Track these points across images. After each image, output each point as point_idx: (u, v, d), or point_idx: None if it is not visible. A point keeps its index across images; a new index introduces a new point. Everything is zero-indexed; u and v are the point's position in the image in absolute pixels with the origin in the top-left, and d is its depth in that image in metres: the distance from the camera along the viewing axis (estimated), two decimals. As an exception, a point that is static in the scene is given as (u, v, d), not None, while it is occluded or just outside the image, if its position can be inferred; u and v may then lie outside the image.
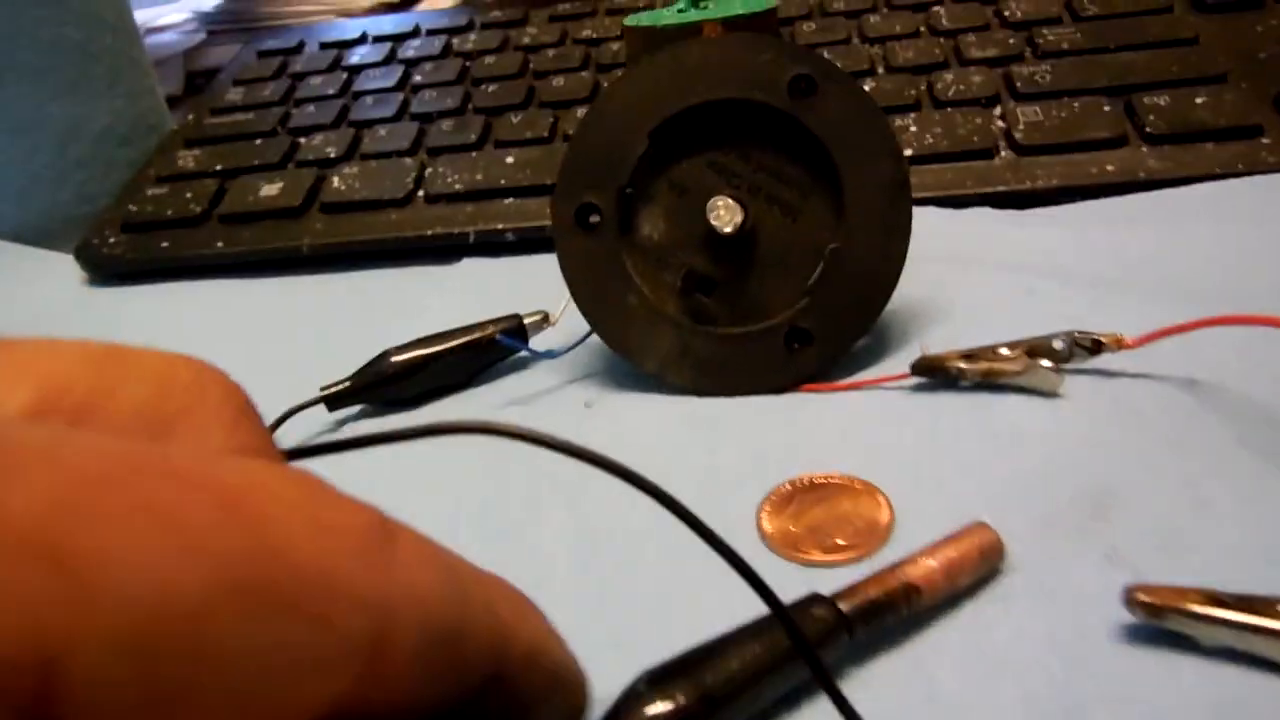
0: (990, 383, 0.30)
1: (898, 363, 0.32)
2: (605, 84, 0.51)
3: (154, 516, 0.08)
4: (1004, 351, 0.29)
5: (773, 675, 0.21)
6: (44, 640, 0.07)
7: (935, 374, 0.30)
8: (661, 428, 0.32)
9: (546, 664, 0.14)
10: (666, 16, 0.34)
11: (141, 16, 0.74)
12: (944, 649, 0.22)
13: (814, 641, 0.21)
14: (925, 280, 0.36)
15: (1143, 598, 0.21)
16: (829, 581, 0.25)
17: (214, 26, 0.85)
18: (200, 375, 0.12)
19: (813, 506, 0.27)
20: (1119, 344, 0.28)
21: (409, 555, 0.11)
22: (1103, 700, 0.20)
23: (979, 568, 0.23)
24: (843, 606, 0.22)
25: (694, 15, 0.34)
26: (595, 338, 0.35)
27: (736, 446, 0.30)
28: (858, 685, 0.22)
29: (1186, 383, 0.28)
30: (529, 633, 0.13)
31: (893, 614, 0.22)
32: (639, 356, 0.34)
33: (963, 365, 0.30)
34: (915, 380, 0.31)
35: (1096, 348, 0.29)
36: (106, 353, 0.11)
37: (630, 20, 0.35)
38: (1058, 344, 0.29)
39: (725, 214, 0.32)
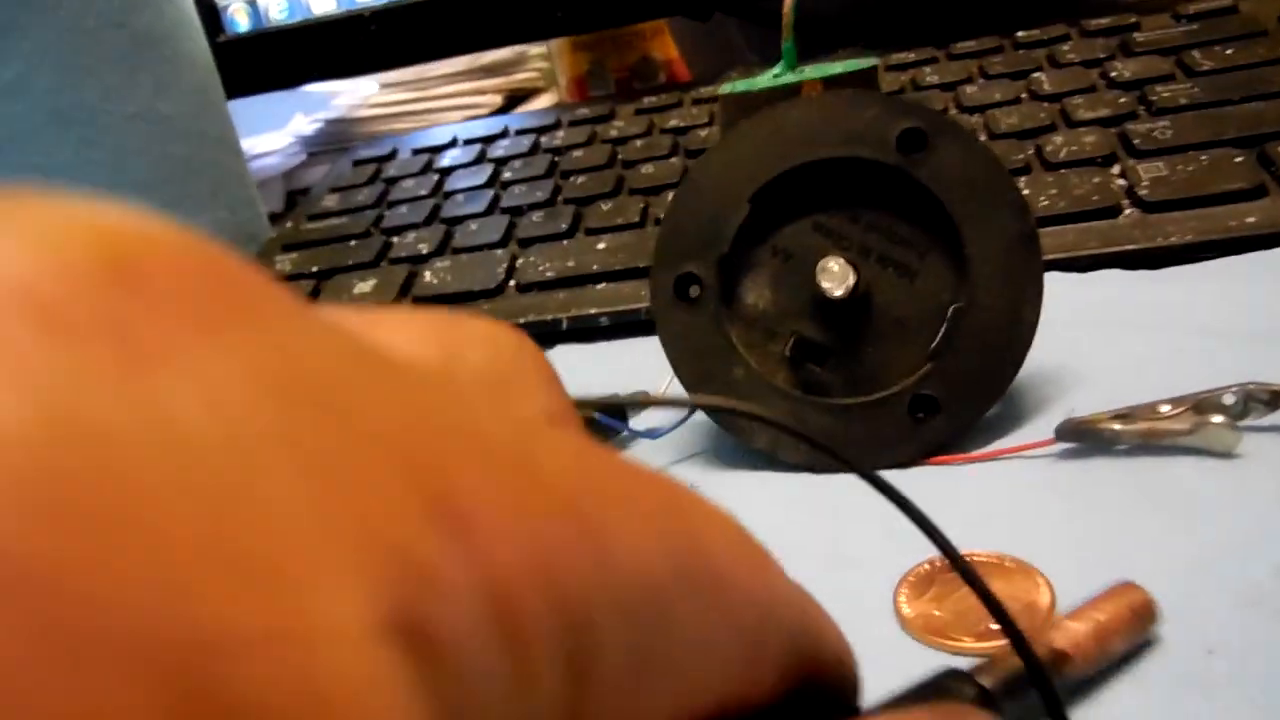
0: (1152, 445, 0.26)
1: (1039, 430, 0.29)
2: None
3: (631, 503, 0.09)
4: (1165, 409, 0.26)
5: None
6: (577, 594, 0.07)
7: (1085, 438, 0.27)
8: (776, 507, 0.29)
9: (848, 669, 0.14)
10: (762, 82, 0.33)
11: (246, 144, 0.78)
12: (1141, 752, 0.19)
13: None
14: (1059, 345, 0.32)
15: (1394, 684, 0.17)
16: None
17: (315, 149, 0.88)
18: (520, 340, 0.13)
19: (958, 588, 0.24)
20: (1302, 395, 0.25)
21: (770, 559, 0.12)
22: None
23: (1132, 630, 0.20)
24: (984, 682, 0.18)
25: (791, 78, 0.33)
26: (700, 415, 0.33)
27: (862, 524, 0.27)
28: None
29: (1389, 437, 0.25)
30: (835, 637, 0.14)
31: (1044, 684, 0.19)
32: (748, 433, 0.31)
33: (1118, 427, 0.27)
34: (1062, 446, 0.28)
35: (1276, 400, 0.25)
36: (446, 319, 0.12)
37: (725, 88, 0.34)
38: (1228, 399, 0.26)
39: (836, 276, 0.30)
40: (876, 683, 0.23)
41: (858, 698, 0.15)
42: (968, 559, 0.25)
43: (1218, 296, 0.34)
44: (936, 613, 0.23)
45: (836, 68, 0.33)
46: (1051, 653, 0.20)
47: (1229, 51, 0.47)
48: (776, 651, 0.11)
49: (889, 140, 0.30)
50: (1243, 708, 0.19)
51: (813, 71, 0.33)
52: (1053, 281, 0.37)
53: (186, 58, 0.55)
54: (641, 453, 0.34)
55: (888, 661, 0.24)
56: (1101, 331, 0.33)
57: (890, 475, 0.31)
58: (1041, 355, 0.31)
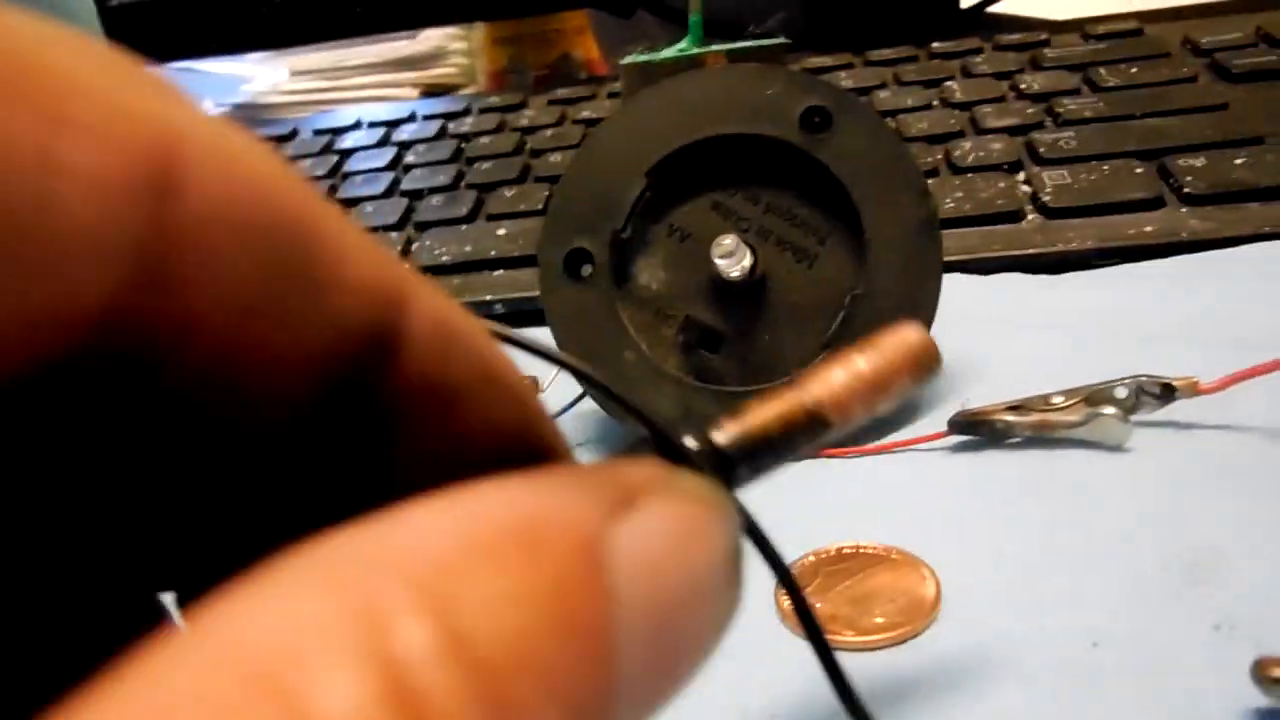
0: (1044, 437, 0.25)
1: (933, 423, 0.28)
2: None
3: None
4: (1058, 401, 0.25)
5: None
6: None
7: (978, 430, 0.26)
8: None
9: (473, 350, 0.11)
10: (667, 53, 0.32)
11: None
12: (1020, 748, 0.17)
13: None
14: (957, 342, 0.32)
15: (1278, 672, 0.16)
16: (867, 667, 0.20)
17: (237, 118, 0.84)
18: None
19: (843, 580, 0.23)
20: (1195, 389, 0.24)
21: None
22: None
23: (906, 382, 0.15)
24: (719, 439, 0.15)
25: (696, 51, 0.31)
26: (588, 401, 0.31)
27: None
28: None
29: (1275, 432, 0.24)
30: (438, 300, 0.11)
31: (789, 450, 0.15)
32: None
33: (1010, 418, 0.26)
34: (955, 439, 0.27)
35: (1168, 394, 0.25)
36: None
37: (628, 59, 0.33)
38: (1120, 391, 0.25)
39: (732, 257, 0.29)
40: (752, 676, 0.21)
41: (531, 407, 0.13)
42: (855, 549, 0.24)
43: (1115, 300, 0.34)
44: (819, 605, 0.22)
45: (743, 44, 0.32)
46: (809, 414, 0.15)
47: (1133, 70, 0.48)
48: (204, 202, 0.09)
49: (792, 118, 0.29)
50: (1128, 701, 0.18)
51: (718, 45, 0.32)
52: (953, 282, 0.36)
53: (69, 18, 0.51)
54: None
55: (766, 655, 0.22)
56: (999, 330, 0.33)
57: (796, 470, 0.29)
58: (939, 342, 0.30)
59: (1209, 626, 0.19)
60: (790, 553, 0.24)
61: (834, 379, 0.15)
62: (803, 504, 0.26)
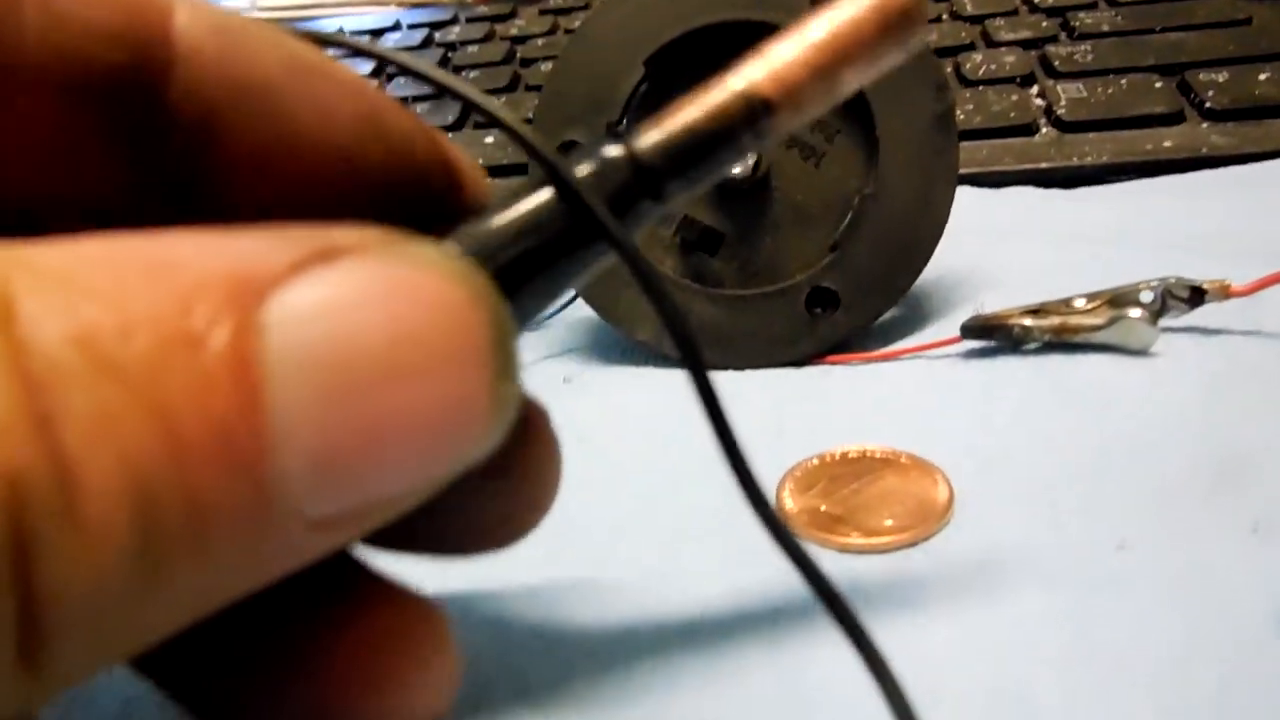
0: (1064, 341, 0.24)
1: (943, 330, 0.27)
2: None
3: None
4: (1080, 304, 0.24)
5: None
6: None
7: (993, 335, 0.25)
8: (654, 403, 0.26)
9: (268, 44, 0.12)
10: (667, -65, 0.30)
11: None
12: (1042, 645, 0.16)
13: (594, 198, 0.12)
14: (969, 251, 0.30)
15: (1327, 572, 0.15)
16: (874, 570, 0.19)
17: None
18: None
19: (849, 483, 0.21)
20: (1225, 292, 0.23)
21: None
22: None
23: (873, 39, 0.12)
24: (640, 146, 0.12)
25: (699, -68, 0.29)
26: (580, 305, 0.30)
27: (749, 422, 0.24)
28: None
29: (1309, 340, 0.23)
30: (209, 9, 0.12)
31: (727, 149, 0.13)
32: (629, 323, 0.28)
33: (1028, 322, 0.24)
34: (967, 346, 0.25)
35: (1196, 298, 0.23)
36: None
37: (625, -58, 0.30)
38: (1146, 295, 0.24)
39: (735, 151, 0.27)
40: (751, 576, 0.20)
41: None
42: (861, 453, 0.23)
43: (1135, 213, 0.32)
44: (823, 508, 0.21)
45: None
46: (744, 100, 0.12)
47: (1152, -15, 0.45)
48: None
49: (802, 2, 0.27)
50: (1159, 603, 0.17)
51: (723, -71, 0.29)
52: (964, 194, 0.35)
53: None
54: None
55: (767, 555, 0.21)
56: (1013, 240, 0.31)
57: (785, 374, 0.28)
58: (950, 260, 0.29)
59: (1246, 529, 0.18)
60: (792, 457, 0.22)
61: (774, 52, 0.12)
62: (804, 410, 0.25)
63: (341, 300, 0.09)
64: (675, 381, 0.27)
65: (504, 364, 0.11)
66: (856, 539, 0.20)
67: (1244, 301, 0.23)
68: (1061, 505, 0.19)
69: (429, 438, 0.10)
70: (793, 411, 0.25)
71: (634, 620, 0.18)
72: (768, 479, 0.22)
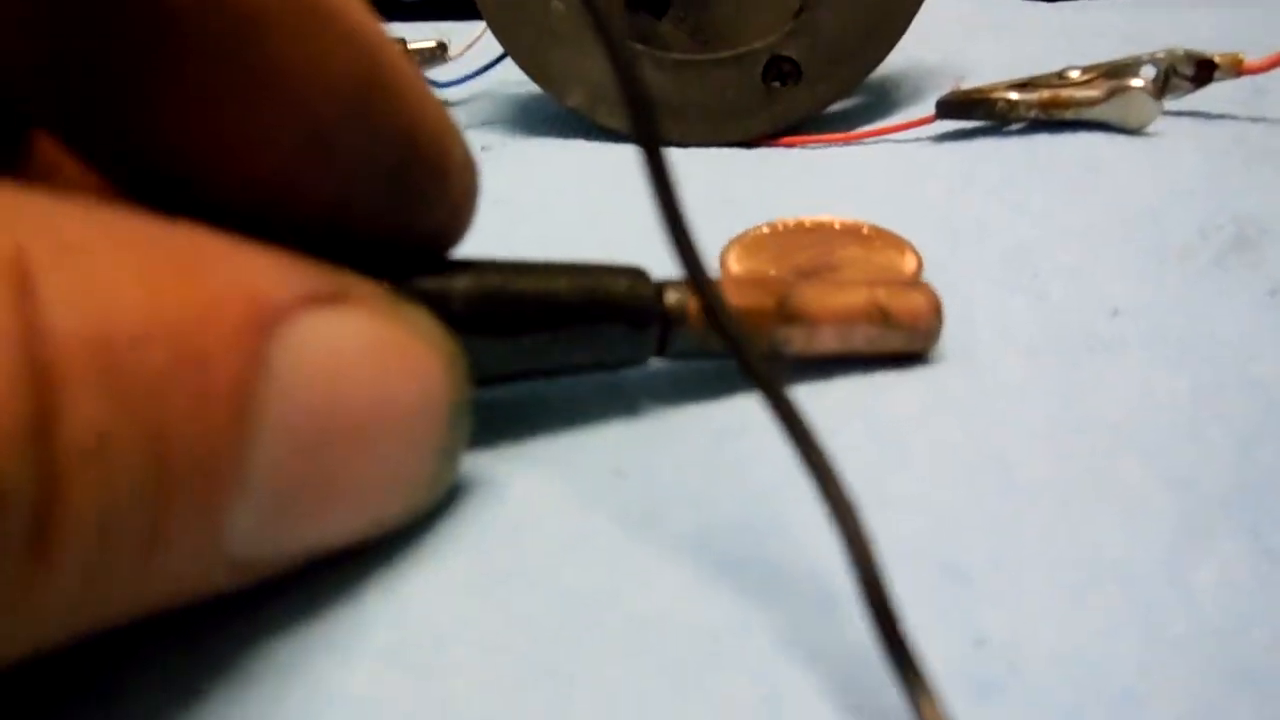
0: (1053, 119, 0.21)
1: (915, 109, 0.24)
2: None
3: None
4: (1074, 75, 0.21)
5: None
6: None
7: (973, 113, 0.22)
8: (581, 173, 0.23)
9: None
10: None
11: None
12: (1024, 414, 0.14)
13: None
14: (951, 40, 0.27)
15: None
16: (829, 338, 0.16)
17: None
18: None
19: (804, 250, 0.18)
20: (1238, 67, 0.20)
21: None
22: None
23: (887, 336, 0.15)
24: (671, 299, 0.14)
25: None
26: (507, 65, 0.26)
27: (691, 194, 0.21)
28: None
29: (1323, 128, 0.20)
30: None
31: (740, 346, 0.13)
32: (561, 86, 0.24)
33: (1014, 96, 0.21)
34: (943, 126, 0.22)
35: (1204, 73, 0.20)
36: None
37: None
38: (1148, 70, 0.21)
39: (693, -116, 0.23)
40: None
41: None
42: (819, 223, 0.20)
43: (1132, 17, 0.30)
44: (772, 271, 0.18)
45: None
46: (783, 309, 0.14)
47: None
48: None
49: None
50: (1156, 366, 0.14)
51: None
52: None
53: None
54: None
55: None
56: (998, 32, 0.28)
57: (736, 154, 0.25)
58: (926, 49, 0.26)
59: (1263, 292, 0.15)
60: (740, 224, 0.19)
61: (811, 306, 0.14)
62: (757, 188, 0.21)
63: (343, 348, 0.10)
64: (604, 155, 0.23)
65: (453, 444, 0.11)
66: (798, 336, 0.17)
67: (1252, 83, 0.21)
68: (1045, 273, 0.17)
69: (370, 503, 0.10)
70: (743, 188, 0.22)
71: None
72: (711, 244, 0.19)
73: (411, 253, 0.12)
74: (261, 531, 0.09)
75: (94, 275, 0.08)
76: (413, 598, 0.11)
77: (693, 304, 0.14)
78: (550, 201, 0.21)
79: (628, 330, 0.14)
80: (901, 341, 0.15)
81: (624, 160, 0.23)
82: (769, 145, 0.24)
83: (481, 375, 0.13)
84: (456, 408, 0.11)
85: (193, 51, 0.10)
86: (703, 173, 0.22)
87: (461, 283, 0.13)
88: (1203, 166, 0.19)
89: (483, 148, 0.24)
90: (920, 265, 0.18)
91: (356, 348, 0.10)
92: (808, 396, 0.14)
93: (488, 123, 0.26)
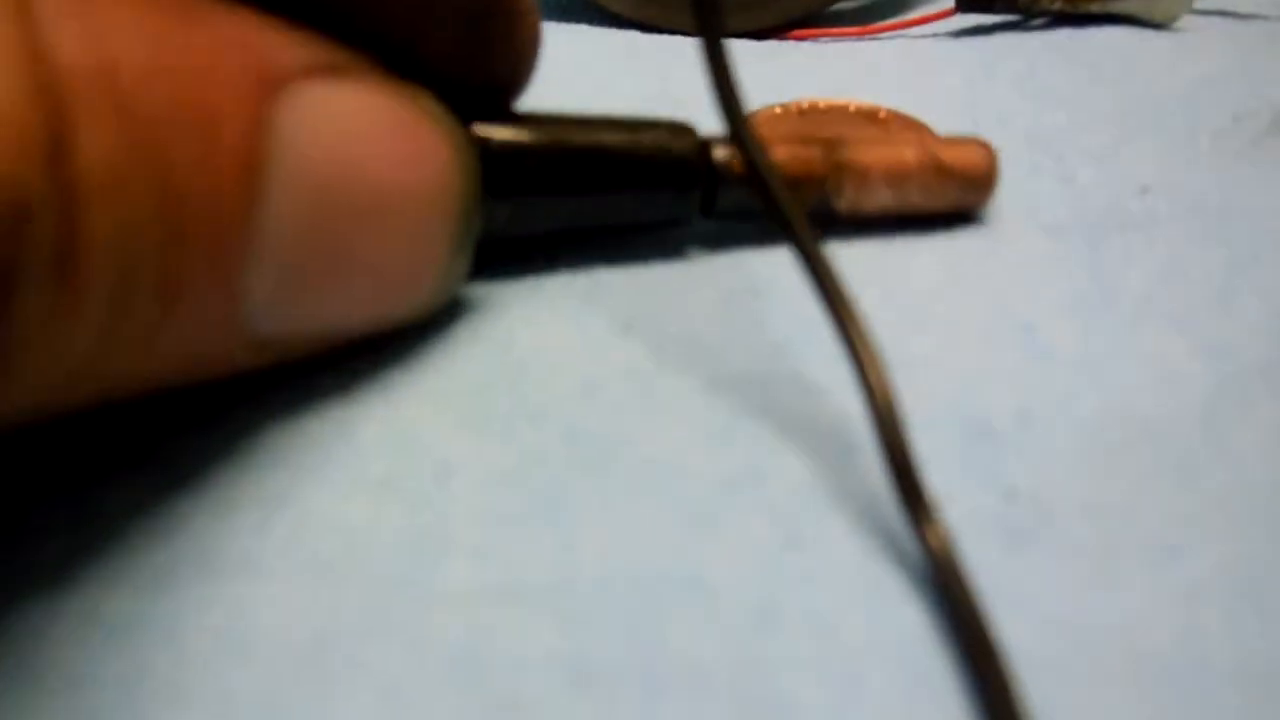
0: (1077, 13, 0.20)
1: (935, 7, 0.23)
2: None
3: None
4: (1102, -33, 0.20)
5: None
6: None
7: (995, 5, 0.21)
8: (598, 61, 0.22)
9: None
10: None
11: None
12: (1049, 287, 0.13)
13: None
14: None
15: None
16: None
17: None
18: None
19: (821, 129, 0.18)
20: (1272, -38, 0.19)
21: None
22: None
23: (947, 190, 0.14)
24: (719, 156, 0.13)
25: None
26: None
27: (690, 82, 0.20)
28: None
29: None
30: None
31: (797, 193, 0.13)
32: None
33: (1039, -12, 0.20)
34: (962, 21, 0.22)
35: (1237, -32, 0.20)
36: None
37: None
38: (1178, -36, 0.20)
39: None
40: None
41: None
42: (832, 105, 0.19)
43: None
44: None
45: None
46: (835, 165, 0.14)
47: None
48: None
49: None
50: (1188, 240, 0.14)
51: None
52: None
53: None
54: None
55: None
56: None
57: (743, 45, 0.24)
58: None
59: (1303, 174, 0.14)
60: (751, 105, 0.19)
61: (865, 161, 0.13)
62: (769, 77, 0.21)
63: (350, 120, 0.09)
64: (610, 41, 0.22)
65: (464, 238, 0.11)
66: (849, 190, 0.16)
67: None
68: (1071, 156, 0.16)
69: (384, 285, 0.10)
70: (756, 76, 0.20)
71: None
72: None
73: (472, 99, 0.12)
74: (276, 303, 0.09)
75: (94, 12, 0.07)
76: (411, 430, 0.10)
77: (738, 161, 0.13)
78: (551, 92, 0.20)
79: (675, 190, 0.13)
80: (957, 194, 0.14)
81: (630, 47, 0.22)
82: (779, 38, 0.23)
83: (526, 231, 0.13)
84: (467, 198, 0.11)
85: None
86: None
87: (505, 134, 0.12)
88: (1235, 58, 0.18)
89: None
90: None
91: (364, 121, 0.09)
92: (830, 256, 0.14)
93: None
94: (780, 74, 0.21)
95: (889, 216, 0.14)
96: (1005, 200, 0.15)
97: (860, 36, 0.22)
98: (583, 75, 0.21)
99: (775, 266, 0.13)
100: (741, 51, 0.22)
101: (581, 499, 0.10)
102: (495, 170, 0.12)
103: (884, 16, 0.23)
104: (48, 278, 0.07)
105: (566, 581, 0.09)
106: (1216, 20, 0.20)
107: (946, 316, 0.13)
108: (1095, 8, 0.20)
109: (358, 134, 0.09)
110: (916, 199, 0.14)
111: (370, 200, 0.10)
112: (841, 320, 0.10)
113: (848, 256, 0.14)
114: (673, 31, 0.23)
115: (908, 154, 0.14)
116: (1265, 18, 0.20)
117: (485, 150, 0.12)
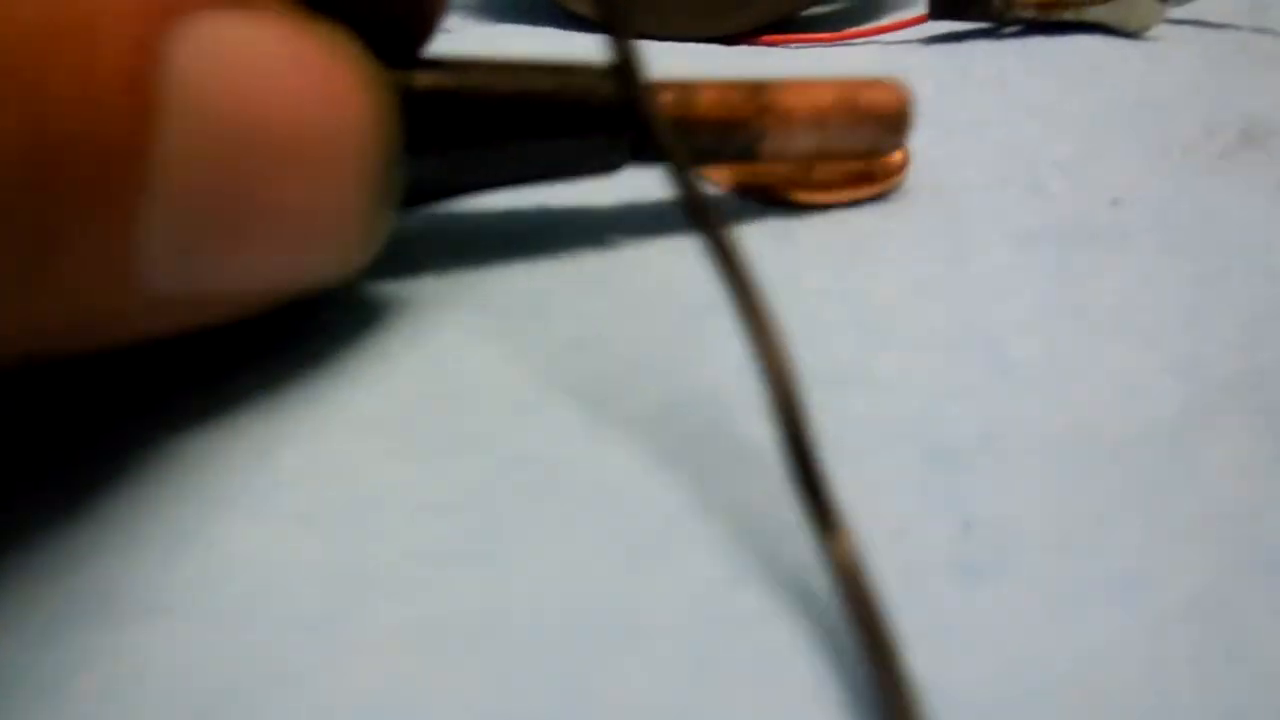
0: (1050, 20, 0.20)
1: (907, 14, 0.22)
2: None
3: None
4: (1075, -28, 0.20)
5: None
6: None
7: (967, 12, 0.21)
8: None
9: None
10: None
11: None
12: (1017, 297, 0.13)
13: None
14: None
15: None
16: (814, 222, 0.15)
17: None
18: None
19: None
20: (1246, -31, 0.19)
21: None
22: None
23: (871, 129, 0.14)
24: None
25: None
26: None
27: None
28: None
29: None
30: None
31: (723, 133, 0.13)
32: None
33: (1011, -6, 0.20)
34: (935, 29, 0.21)
35: (1211, -25, 0.19)
36: None
37: None
38: (1153, -30, 0.20)
39: None
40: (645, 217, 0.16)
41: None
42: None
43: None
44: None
45: None
46: (759, 108, 0.14)
47: None
48: None
49: None
50: (1158, 253, 0.13)
51: None
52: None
53: None
54: None
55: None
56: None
57: (715, 51, 0.23)
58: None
59: (1272, 186, 0.14)
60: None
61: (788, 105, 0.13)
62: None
63: (253, 55, 0.09)
64: (575, 45, 0.22)
65: (386, 189, 0.10)
66: (801, 196, 0.16)
67: (1261, -8, 0.20)
68: (1042, 165, 0.16)
69: (296, 243, 0.10)
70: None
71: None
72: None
73: (379, 42, 0.11)
74: (175, 255, 0.08)
75: None
76: (337, 457, 0.10)
77: (667, 99, 0.13)
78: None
79: (607, 134, 0.12)
80: (874, 135, 0.14)
81: (592, 49, 0.22)
82: (750, 43, 0.22)
83: (447, 185, 0.12)
84: (387, 144, 0.10)
85: None
86: (678, 67, 0.21)
87: (427, 79, 0.11)
88: (1207, 69, 0.18)
89: (444, 29, 0.22)
90: (906, 156, 0.16)
91: (273, 57, 0.09)
92: (784, 278, 0.13)
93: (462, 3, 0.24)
94: (760, 72, 0.21)
95: (811, 156, 0.14)
96: (975, 209, 0.15)
97: (832, 43, 0.22)
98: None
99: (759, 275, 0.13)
100: (713, 56, 0.22)
101: (515, 534, 0.09)
102: (419, 117, 0.11)
103: (857, 22, 0.23)
104: None
105: (495, 625, 0.08)
106: (1189, 30, 0.20)
107: (911, 332, 0.12)
108: (1068, 16, 0.20)
109: (265, 70, 0.09)
110: (836, 143, 0.14)
111: (280, 142, 0.09)
112: (740, 291, 0.10)
113: (811, 266, 0.14)
114: (642, 37, 0.22)
115: (825, 95, 0.14)
116: (1237, 27, 0.20)
117: (407, 96, 0.11)
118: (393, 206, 0.11)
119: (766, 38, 0.22)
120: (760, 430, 0.10)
